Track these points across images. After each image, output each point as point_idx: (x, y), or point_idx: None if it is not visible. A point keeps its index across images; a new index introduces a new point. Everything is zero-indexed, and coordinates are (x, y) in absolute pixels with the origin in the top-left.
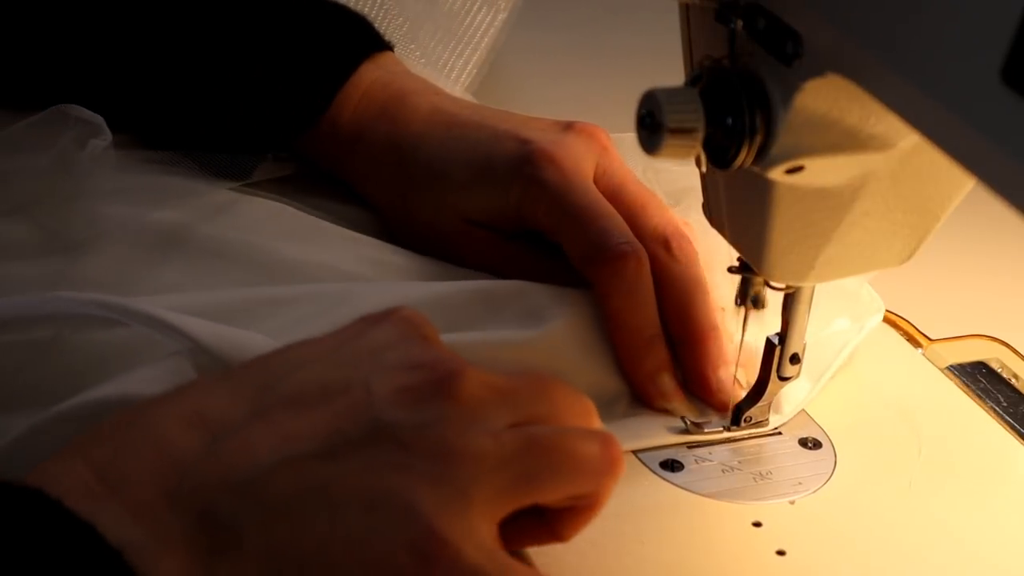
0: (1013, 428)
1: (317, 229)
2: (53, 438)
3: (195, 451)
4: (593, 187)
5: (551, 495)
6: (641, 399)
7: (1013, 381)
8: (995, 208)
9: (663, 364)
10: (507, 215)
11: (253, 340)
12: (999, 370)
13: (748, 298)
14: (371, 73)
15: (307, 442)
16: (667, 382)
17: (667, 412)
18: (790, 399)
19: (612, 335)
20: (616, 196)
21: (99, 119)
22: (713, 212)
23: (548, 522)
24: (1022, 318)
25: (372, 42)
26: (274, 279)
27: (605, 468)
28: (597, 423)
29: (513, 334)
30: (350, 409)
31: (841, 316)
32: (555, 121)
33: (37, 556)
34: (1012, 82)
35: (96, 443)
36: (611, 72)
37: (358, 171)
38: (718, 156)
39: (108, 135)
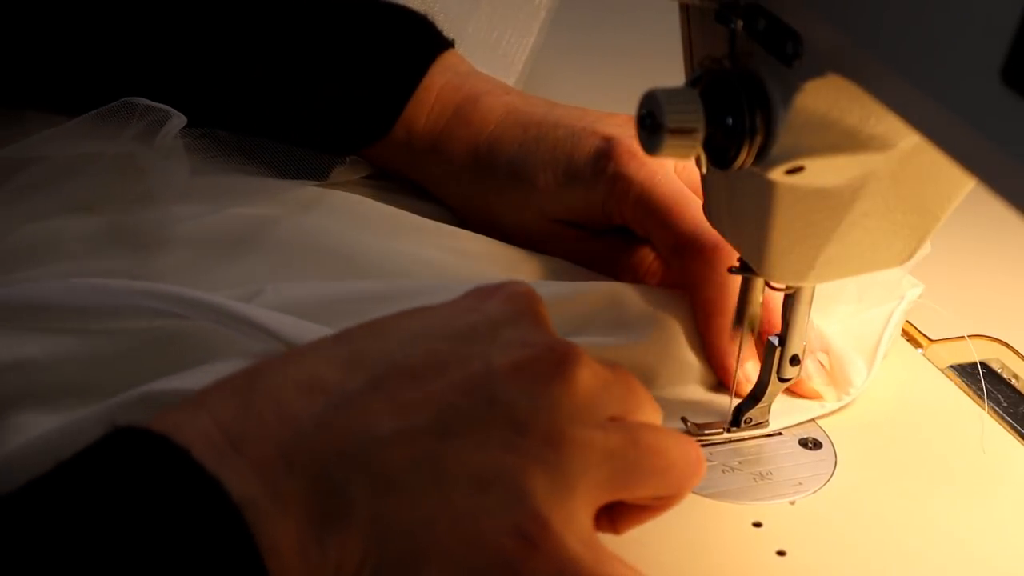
0: (1013, 428)
1: (398, 220)
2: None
3: (313, 416)
4: (677, 179)
5: (643, 492)
6: (727, 387)
7: (1013, 381)
8: (995, 208)
9: (749, 352)
10: (593, 213)
11: None
12: (999, 370)
13: (744, 318)
14: (440, 76)
15: (422, 415)
16: (752, 370)
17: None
18: (854, 379)
19: (702, 325)
20: (697, 187)
21: (167, 109)
22: (713, 212)
23: (612, 513)
24: (1022, 318)
25: (436, 42)
26: (359, 271)
27: (692, 472)
28: (660, 420)
29: (602, 340)
30: (467, 383)
31: (884, 303)
32: (630, 116)
33: (161, 504)
34: (1012, 82)
35: (220, 399)
36: (611, 72)
37: (435, 176)
38: (718, 156)
39: (180, 122)
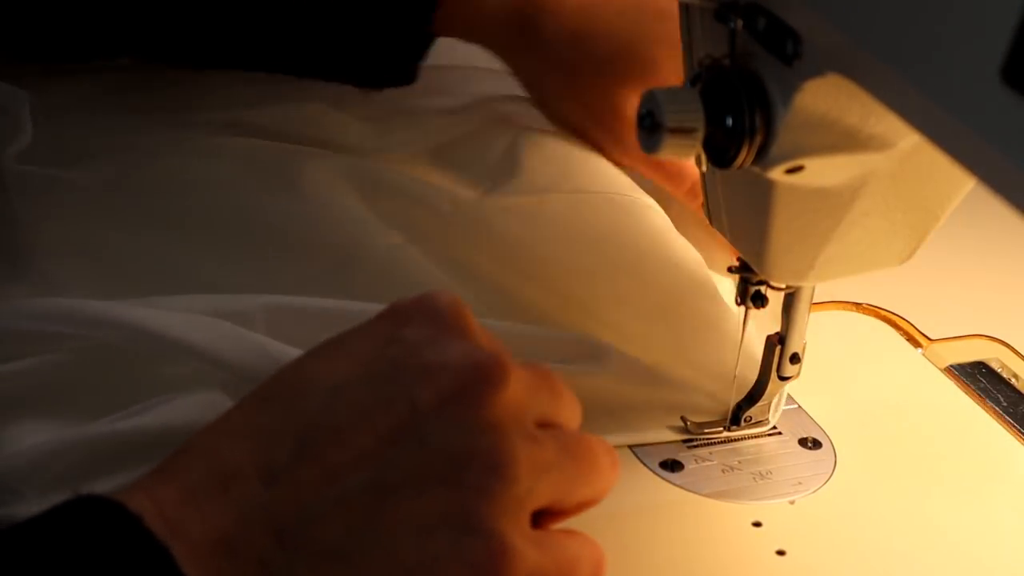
0: (1013, 428)
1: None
2: (83, 457)
3: (247, 500)
4: None
5: (576, 498)
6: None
7: (1013, 381)
8: (995, 208)
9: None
10: None
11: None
12: (999, 370)
13: (748, 297)
14: None
15: (355, 477)
16: None
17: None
18: None
19: None
20: None
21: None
22: (713, 212)
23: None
24: (1022, 318)
25: None
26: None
27: (613, 475)
28: (580, 417)
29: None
30: (395, 432)
31: None
32: None
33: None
34: (1012, 82)
35: (162, 482)
36: None
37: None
38: (718, 156)
39: (27, 134)
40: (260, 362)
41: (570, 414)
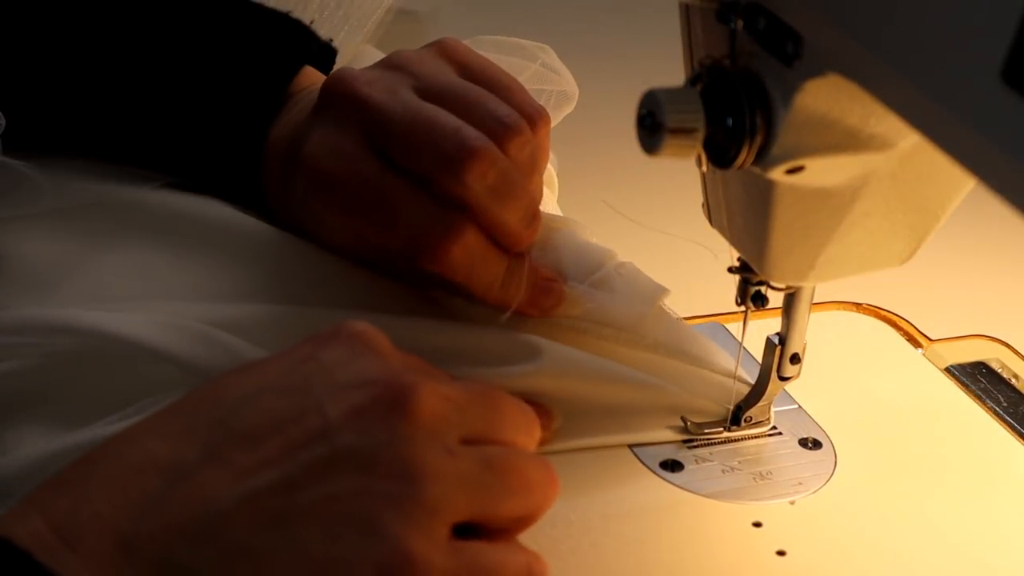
0: (1013, 428)
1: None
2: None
3: (150, 498)
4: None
5: (504, 513)
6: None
7: (1013, 381)
8: (995, 208)
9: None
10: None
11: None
12: (999, 370)
13: (748, 298)
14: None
15: (263, 477)
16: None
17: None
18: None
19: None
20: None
21: None
22: (713, 212)
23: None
24: (1022, 318)
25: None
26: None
27: (550, 492)
28: (538, 434)
29: (512, 369)
30: (305, 437)
31: None
32: None
33: None
34: (1012, 82)
35: (53, 496)
36: (611, 72)
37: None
38: (718, 156)
39: None
40: (227, 363)
41: (515, 432)
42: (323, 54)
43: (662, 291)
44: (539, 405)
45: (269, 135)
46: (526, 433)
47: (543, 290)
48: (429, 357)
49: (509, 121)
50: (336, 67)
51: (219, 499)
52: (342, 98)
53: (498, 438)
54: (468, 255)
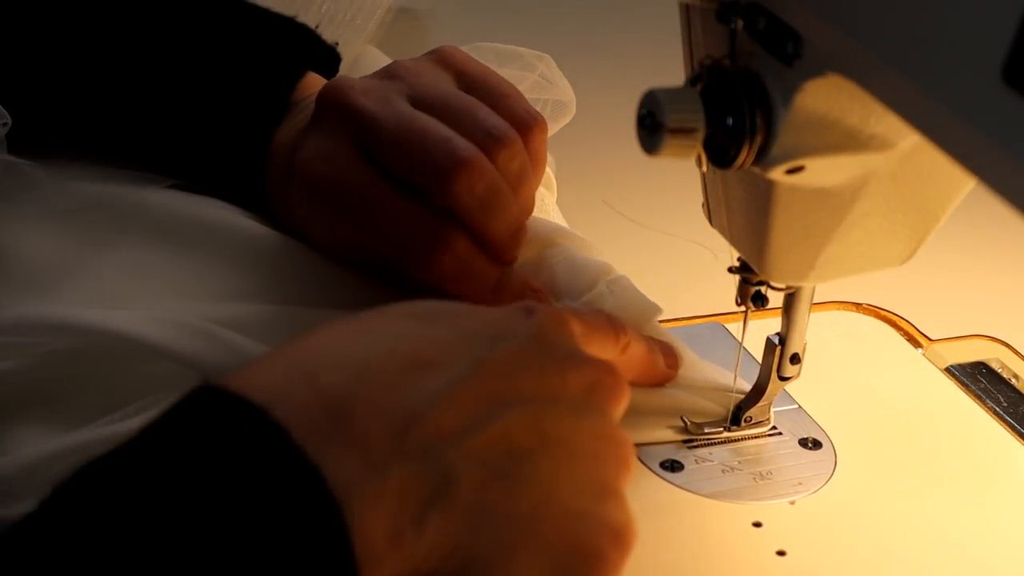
0: (1013, 428)
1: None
2: (77, 462)
3: (426, 397)
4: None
5: None
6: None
7: (1013, 381)
8: (995, 208)
9: None
10: None
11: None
12: (999, 370)
13: (748, 298)
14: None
15: (518, 409)
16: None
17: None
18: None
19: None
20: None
21: None
22: (713, 212)
23: None
24: (1022, 318)
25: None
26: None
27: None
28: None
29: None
30: (549, 389)
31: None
32: None
33: (253, 486)
34: (1013, 82)
35: (325, 369)
36: (611, 72)
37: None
38: (718, 156)
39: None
40: (230, 360)
41: None
42: (328, 59)
43: (654, 309)
44: (666, 344)
45: (273, 140)
46: None
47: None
48: None
49: (498, 132)
50: (340, 69)
51: (485, 415)
52: (336, 107)
53: None
54: (457, 264)
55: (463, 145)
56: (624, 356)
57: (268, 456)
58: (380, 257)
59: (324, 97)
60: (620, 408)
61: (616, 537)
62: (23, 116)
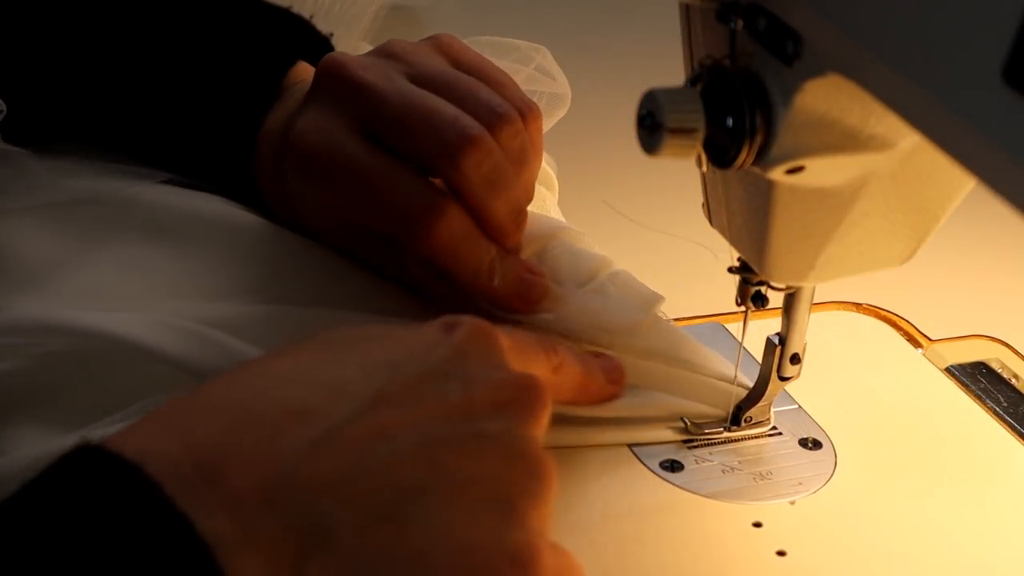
0: (1013, 428)
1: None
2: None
3: (299, 448)
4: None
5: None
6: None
7: (1013, 381)
8: (995, 208)
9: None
10: None
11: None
12: (999, 370)
13: (748, 298)
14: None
15: (410, 442)
16: None
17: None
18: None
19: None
20: None
21: None
22: (713, 212)
23: None
24: (1022, 318)
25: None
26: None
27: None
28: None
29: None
30: (448, 413)
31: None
32: None
33: (127, 540)
34: (1013, 82)
35: (198, 424)
36: (611, 72)
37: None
38: (718, 156)
39: None
40: (224, 363)
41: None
42: (321, 49)
43: (657, 298)
44: (610, 359)
45: (263, 125)
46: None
47: (528, 283)
48: None
49: (501, 111)
50: None
51: (367, 457)
52: (336, 80)
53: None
54: (453, 236)
55: (471, 123)
56: (557, 376)
57: (141, 512)
58: (374, 235)
59: (323, 71)
60: (537, 424)
61: (514, 563)
62: (16, 101)
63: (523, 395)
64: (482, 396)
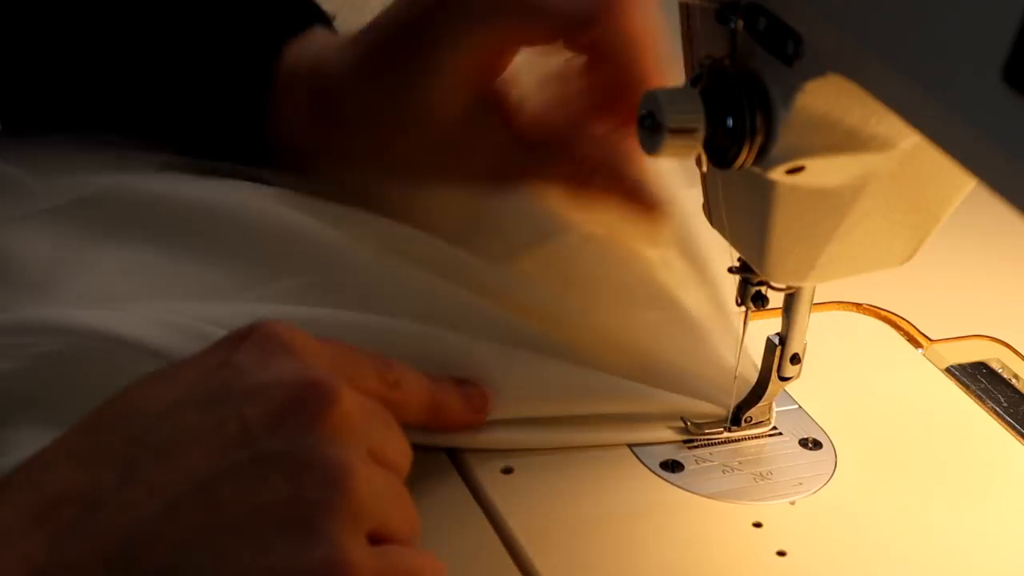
0: (1013, 428)
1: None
2: None
3: (67, 528)
4: None
5: (393, 527)
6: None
7: (1013, 381)
8: (995, 208)
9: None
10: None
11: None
12: (999, 370)
13: (748, 298)
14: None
15: (185, 491)
16: None
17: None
18: None
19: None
20: None
21: None
22: (713, 212)
23: None
24: (1022, 318)
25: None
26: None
27: (417, 531)
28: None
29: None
30: (226, 447)
31: None
32: None
33: None
34: (1013, 82)
35: None
36: None
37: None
38: (719, 156)
39: None
40: None
41: (399, 454)
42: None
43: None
44: (475, 386)
45: (283, 52)
46: (406, 460)
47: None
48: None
49: None
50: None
51: (140, 521)
52: None
53: (386, 456)
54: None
55: None
56: (395, 393)
57: None
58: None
59: None
60: (323, 425)
61: None
62: (10, 64)
63: (304, 396)
64: (256, 416)
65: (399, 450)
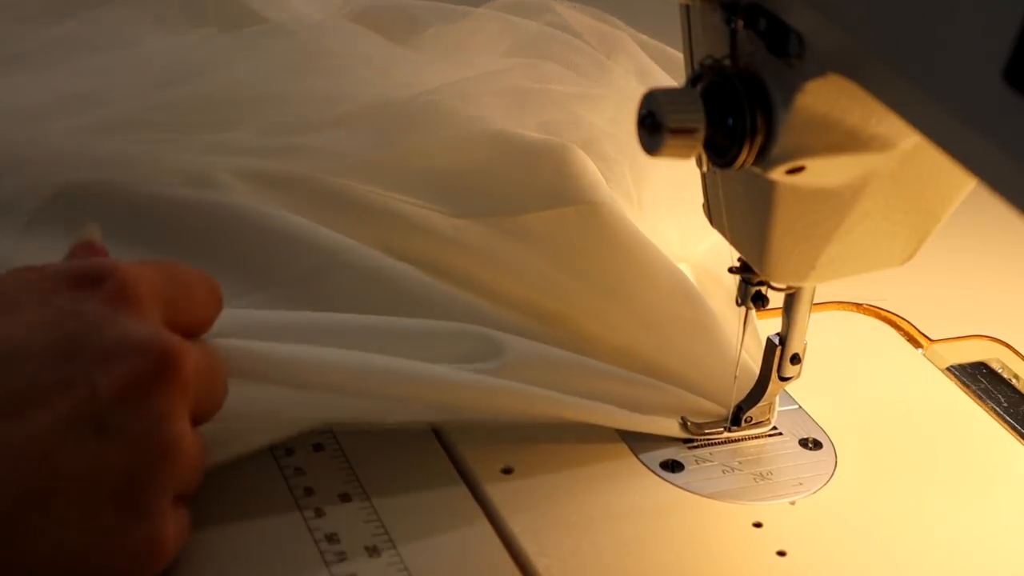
0: (1013, 428)
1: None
2: None
3: None
4: None
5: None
6: None
7: (1013, 381)
8: (995, 208)
9: None
10: None
11: None
12: (999, 370)
13: (748, 298)
14: None
15: (27, 450)
16: None
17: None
18: None
19: None
20: None
21: None
22: (713, 213)
23: None
24: (1022, 318)
25: None
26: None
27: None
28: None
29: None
30: (73, 410)
31: None
32: None
33: None
34: (1014, 82)
35: None
36: None
37: None
38: (719, 156)
39: None
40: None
41: (215, 406)
42: None
43: None
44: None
45: None
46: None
47: None
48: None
49: None
50: None
51: None
52: None
53: (209, 412)
54: None
55: None
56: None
57: None
58: None
59: None
60: (165, 396)
61: (135, 560)
62: None
63: (151, 368)
64: (105, 385)
65: (216, 402)
